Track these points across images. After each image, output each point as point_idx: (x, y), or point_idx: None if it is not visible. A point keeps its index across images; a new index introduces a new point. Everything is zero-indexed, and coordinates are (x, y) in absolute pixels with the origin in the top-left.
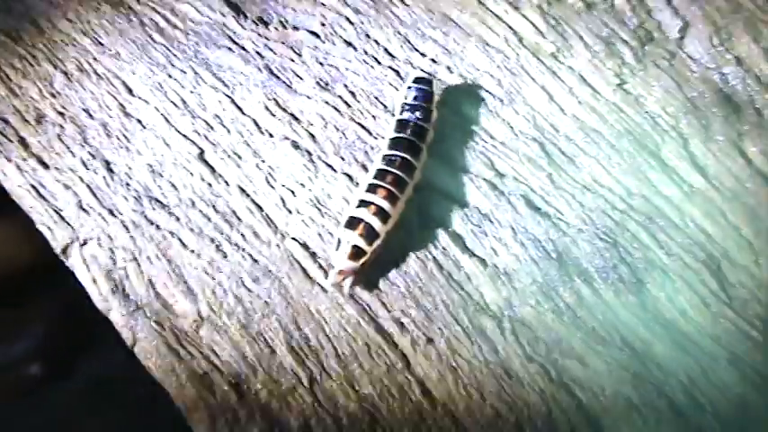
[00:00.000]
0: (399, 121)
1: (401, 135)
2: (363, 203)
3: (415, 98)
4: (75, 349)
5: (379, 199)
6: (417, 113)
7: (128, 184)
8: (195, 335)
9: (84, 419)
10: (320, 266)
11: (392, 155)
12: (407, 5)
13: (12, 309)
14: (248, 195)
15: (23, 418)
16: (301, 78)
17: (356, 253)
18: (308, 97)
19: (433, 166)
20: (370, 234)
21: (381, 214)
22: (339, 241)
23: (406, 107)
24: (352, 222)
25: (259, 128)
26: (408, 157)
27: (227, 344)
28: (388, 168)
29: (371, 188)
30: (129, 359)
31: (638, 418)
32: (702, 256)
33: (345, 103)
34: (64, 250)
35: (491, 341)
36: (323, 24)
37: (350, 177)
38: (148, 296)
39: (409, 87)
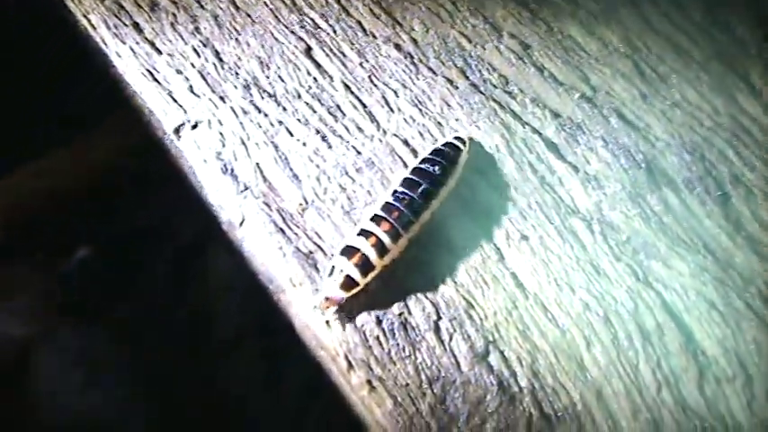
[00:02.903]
0: (418, 169)
1: (416, 179)
2: (364, 233)
3: (443, 156)
4: (112, 291)
5: (380, 232)
6: (437, 168)
7: (237, 74)
8: (300, 218)
9: (118, 358)
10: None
11: (404, 192)
12: None
13: (52, 241)
14: (352, 92)
15: (57, 356)
16: None
17: (348, 283)
18: (411, 3)
19: (532, 77)
20: (365, 265)
21: (380, 247)
22: (333, 268)
23: (429, 159)
24: (349, 251)
25: (363, 29)
26: (420, 199)
27: (331, 228)
28: (396, 204)
29: (375, 219)
30: (167, 300)
31: (718, 318)
32: None
33: (447, 11)
34: (176, 131)
35: (581, 241)
36: None
37: (450, 81)
38: (256, 179)
39: (444, 144)
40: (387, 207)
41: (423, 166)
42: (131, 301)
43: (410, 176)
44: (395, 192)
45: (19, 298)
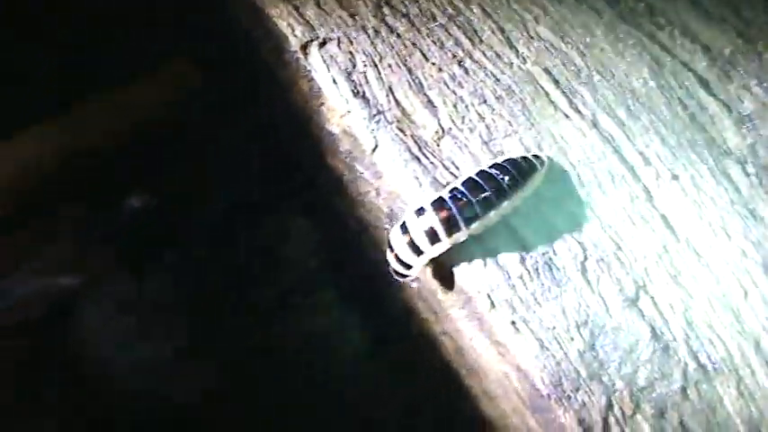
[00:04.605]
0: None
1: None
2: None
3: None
4: (165, 239)
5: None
6: (507, 178)
7: None
8: (435, 146)
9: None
10: (563, 93)
11: (463, 194)
12: None
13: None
14: (489, 15)
15: (104, 306)
16: None
17: (402, 264)
18: None
19: (681, 8)
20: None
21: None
22: (389, 242)
23: (501, 166)
24: (404, 229)
25: None
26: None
27: (469, 158)
28: (450, 205)
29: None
30: (223, 251)
31: None
32: None
33: None
34: (303, 48)
35: (735, 184)
36: None
37: (594, 9)
38: (388, 103)
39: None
40: (439, 203)
41: (491, 171)
42: (185, 250)
43: (475, 178)
44: (454, 189)
45: (65, 245)
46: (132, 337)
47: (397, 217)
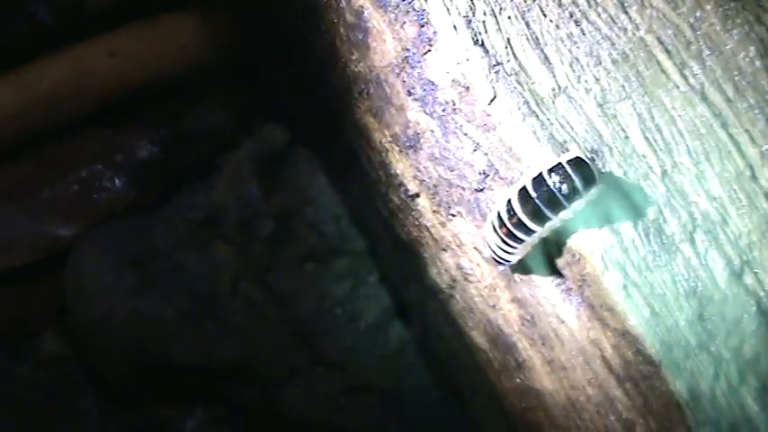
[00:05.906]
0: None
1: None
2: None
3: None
4: (174, 180)
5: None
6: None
7: None
8: (551, 104)
9: (179, 250)
10: (674, 63)
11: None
12: None
13: (114, 129)
14: None
15: (105, 256)
16: None
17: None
18: None
19: None
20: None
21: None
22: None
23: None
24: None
25: None
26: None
27: (583, 119)
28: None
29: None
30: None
31: None
32: None
33: None
34: None
35: None
36: None
37: None
38: (507, 55)
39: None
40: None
41: (546, 183)
42: (200, 200)
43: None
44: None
45: (61, 189)
46: (132, 292)
47: (499, 174)
